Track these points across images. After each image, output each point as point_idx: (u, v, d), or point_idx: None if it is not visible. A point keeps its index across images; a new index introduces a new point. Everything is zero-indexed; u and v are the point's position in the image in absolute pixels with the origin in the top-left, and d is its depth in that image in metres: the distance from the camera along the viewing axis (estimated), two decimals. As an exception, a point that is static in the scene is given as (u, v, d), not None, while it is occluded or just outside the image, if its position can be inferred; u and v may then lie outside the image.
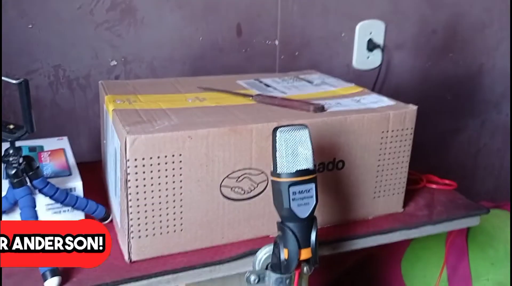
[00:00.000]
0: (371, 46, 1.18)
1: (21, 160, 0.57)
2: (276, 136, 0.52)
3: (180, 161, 0.56)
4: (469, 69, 1.34)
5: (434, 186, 0.83)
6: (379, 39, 1.19)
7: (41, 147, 0.75)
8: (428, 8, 1.22)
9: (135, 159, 0.54)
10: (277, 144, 0.53)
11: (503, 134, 1.45)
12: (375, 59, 1.20)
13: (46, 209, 0.64)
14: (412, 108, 0.68)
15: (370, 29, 1.17)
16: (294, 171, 0.53)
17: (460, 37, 1.29)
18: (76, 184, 0.65)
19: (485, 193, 1.49)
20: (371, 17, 1.16)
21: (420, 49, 1.26)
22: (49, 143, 0.76)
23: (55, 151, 0.73)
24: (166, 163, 0.56)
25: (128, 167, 0.54)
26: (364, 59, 1.19)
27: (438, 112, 1.34)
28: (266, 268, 0.58)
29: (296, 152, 0.53)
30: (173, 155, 0.56)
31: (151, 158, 0.55)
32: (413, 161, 0.74)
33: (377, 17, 1.17)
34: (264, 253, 0.60)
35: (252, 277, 0.57)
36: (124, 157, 0.54)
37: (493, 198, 1.40)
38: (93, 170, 0.81)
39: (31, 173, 0.58)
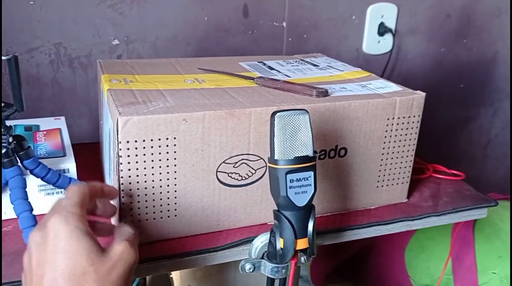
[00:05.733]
0: (382, 30, 1.14)
1: (10, 139, 0.55)
2: (274, 120, 0.50)
3: (175, 145, 0.54)
4: (483, 56, 1.30)
5: (441, 176, 0.80)
6: (391, 23, 1.15)
7: (37, 127, 0.73)
8: (443, -9, 1.18)
9: (127, 142, 0.52)
10: (275, 129, 0.50)
11: (516, 125, 1.41)
12: (386, 43, 1.16)
13: (39, 190, 0.62)
14: (420, 94, 0.65)
15: (382, 12, 1.13)
16: (292, 158, 0.50)
17: (475, 22, 1.25)
18: (70, 166, 0.63)
19: (495, 184, 1.46)
20: (383, -1, 1.13)
21: (433, 35, 1.21)
22: (45, 123, 0.74)
23: (51, 131, 0.72)
24: (159, 147, 0.54)
25: (120, 149, 0.52)
26: (374, 44, 1.15)
27: (449, 100, 1.31)
28: (262, 257, 0.56)
29: (295, 138, 0.50)
30: (167, 138, 0.54)
31: (144, 140, 0.53)
32: (421, 149, 0.71)
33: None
34: (260, 241, 0.59)
35: (247, 266, 0.56)
36: (116, 139, 0.53)
37: (503, 190, 1.37)
38: (92, 151, 0.80)
39: (21, 153, 0.57)
